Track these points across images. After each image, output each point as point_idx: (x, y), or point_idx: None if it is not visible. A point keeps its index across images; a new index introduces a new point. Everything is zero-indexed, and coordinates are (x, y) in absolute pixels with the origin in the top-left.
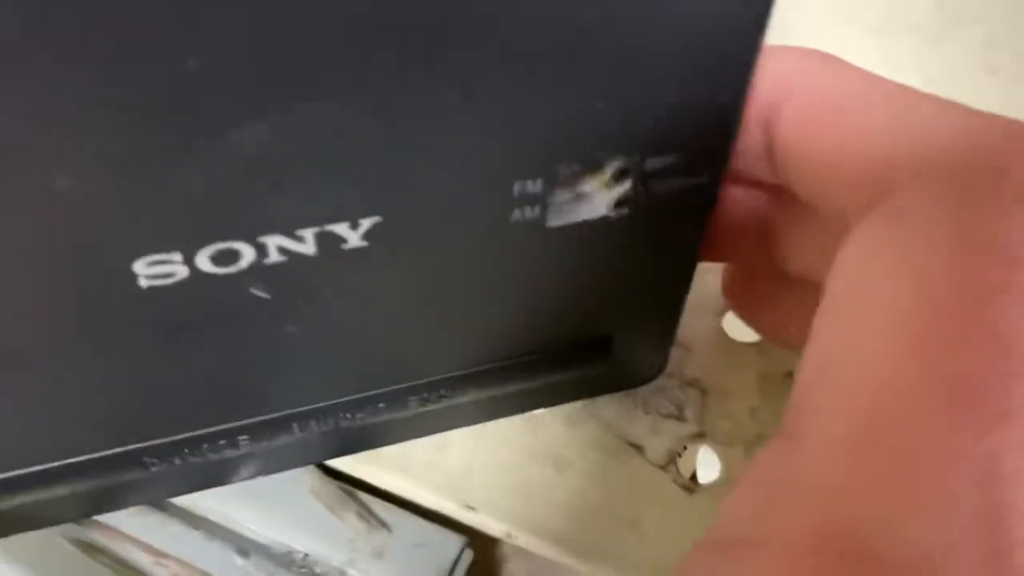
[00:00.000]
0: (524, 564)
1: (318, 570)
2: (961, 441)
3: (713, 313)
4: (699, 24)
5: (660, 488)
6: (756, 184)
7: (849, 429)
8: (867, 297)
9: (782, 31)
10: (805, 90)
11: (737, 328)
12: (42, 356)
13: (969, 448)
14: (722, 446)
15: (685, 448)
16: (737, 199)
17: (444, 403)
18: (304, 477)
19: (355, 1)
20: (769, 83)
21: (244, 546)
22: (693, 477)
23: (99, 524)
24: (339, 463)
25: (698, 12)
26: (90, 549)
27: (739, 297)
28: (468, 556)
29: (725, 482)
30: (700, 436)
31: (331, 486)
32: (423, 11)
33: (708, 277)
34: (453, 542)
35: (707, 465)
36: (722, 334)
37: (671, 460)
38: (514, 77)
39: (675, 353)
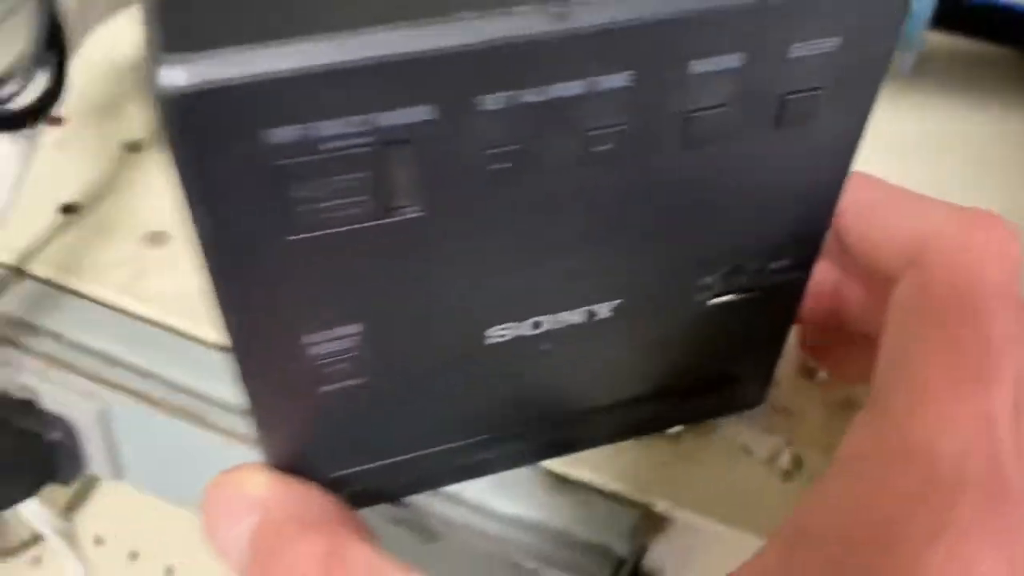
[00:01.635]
0: (686, 533)
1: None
2: (972, 394)
3: (792, 359)
4: (803, 193)
5: (765, 476)
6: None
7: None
8: (909, 321)
9: None
10: (854, 197)
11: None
12: (434, 385)
13: (979, 397)
14: (803, 448)
15: (779, 451)
16: (817, 279)
17: (627, 418)
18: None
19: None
20: None
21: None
22: (787, 469)
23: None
24: (555, 464)
25: (800, 188)
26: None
27: (812, 347)
28: (642, 523)
29: (807, 473)
30: (788, 443)
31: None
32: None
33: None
34: (631, 513)
35: (794, 460)
36: (798, 374)
37: (772, 459)
38: (695, 227)
39: None
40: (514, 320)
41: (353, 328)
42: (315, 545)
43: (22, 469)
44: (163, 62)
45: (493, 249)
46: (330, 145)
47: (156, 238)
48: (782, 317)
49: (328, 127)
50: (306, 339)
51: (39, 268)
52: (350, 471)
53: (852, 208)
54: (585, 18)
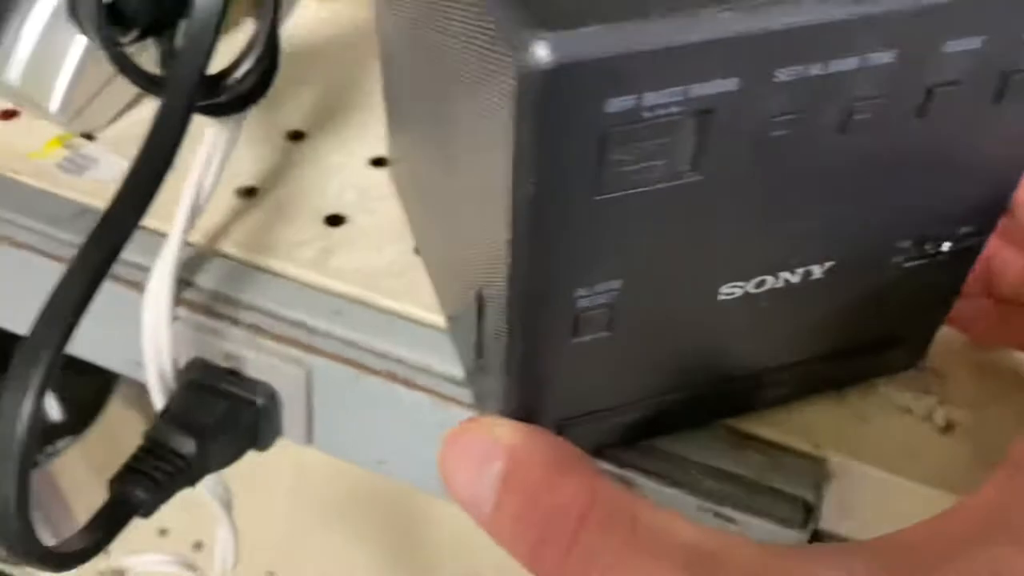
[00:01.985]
0: (849, 483)
1: None
2: None
3: None
4: (999, 163)
5: (924, 432)
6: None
7: None
8: None
9: None
10: None
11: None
12: (663, 339)
13: None
14: (954, 407)
15: (934, 409)
16: None
17: (804, 377)
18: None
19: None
20: None
21: None
22: (943, 426)
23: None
24: (735, 422)
25: (998, 159)
26: None
27: (958, 315)
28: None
29: (961, 429)
30: (941, 403)
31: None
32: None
33: None
34: (813, 465)
35: (948, 418)
36: (942, 339)
37: (928, 416)
38: (909, 192)
39: None
40: (745, 279)
41: (616, 283)
42: (575, 484)
43: (232, 434)
44: (531, 40)
45: (745, 212)
46: (651, 113)
47: (333, 219)
48: (955, 281)
49: (653, 98)
50: (578, 292)
51: (228, 247)
52: (569, 419)
53: None
54: (874, 3)
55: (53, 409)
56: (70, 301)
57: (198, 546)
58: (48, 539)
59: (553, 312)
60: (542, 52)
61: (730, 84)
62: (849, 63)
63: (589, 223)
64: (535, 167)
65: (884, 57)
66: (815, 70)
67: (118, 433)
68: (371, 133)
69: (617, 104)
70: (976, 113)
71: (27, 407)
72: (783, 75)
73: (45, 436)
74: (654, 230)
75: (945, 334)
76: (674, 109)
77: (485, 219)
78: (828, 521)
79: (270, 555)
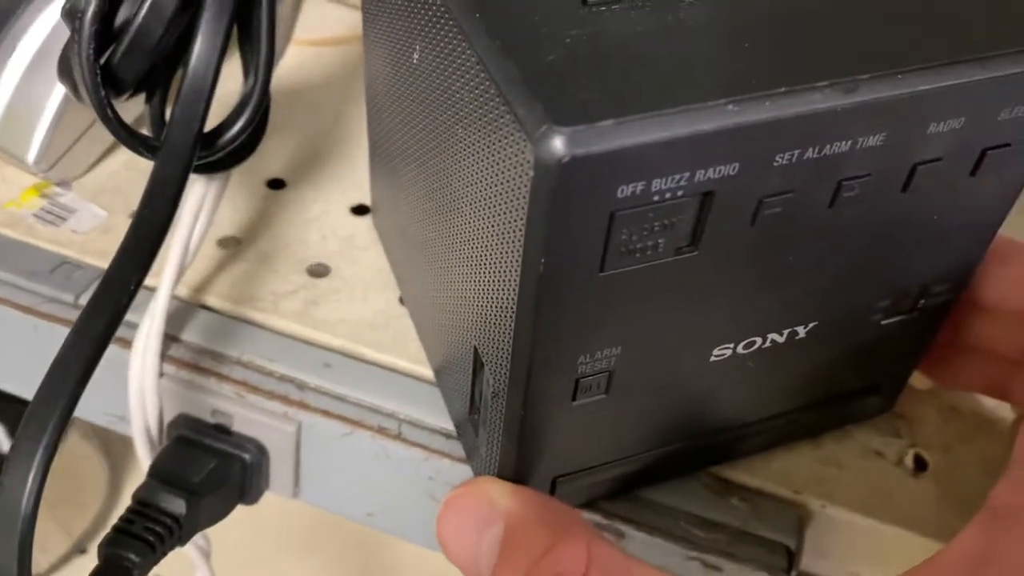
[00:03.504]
0: (824, 526)
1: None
2: None
3: None
4: (974, 229)
5: (896, 475)
6: None
7: None
8: None
9: None
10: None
11: (918, 379)
12: (656, 399)
13: None
14: (923, 450)
15: (905, 453)
16: None
17: (785, 426)
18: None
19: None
20: None
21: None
22: (913, 469)
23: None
24: (717, 470)
25: (973, 225)
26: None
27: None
28: (805, 517)
29: (931, 471)
30: (912, 445)
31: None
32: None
33: None
34: (794, 510)
35: (918, 462)
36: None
37: (900, 460)
38: (890, 257)
39: None
40: (735, 340)
41: (616, 350)
42: (572, 546)
43: (222, 491)
44: (549, 134)
45: (738, 282)
46: (658, 197)
47: (317, 270)
48: (929, 333)
49: (660, 183)
50: (580, 359)
51: (212, 299)
52: (562, 475)
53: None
54: (867, 92)
55: (5, 443)
56: (74, 371)
57: None
58: None
59: (554, 378)
60: (559, 146)
61: (731, 169)
62: (842, 146)
63: (593, 296)
64: (545, 248)
65: (874, 140)
66: (810, 153)
67: (76, 466)
68: (352, 181)
69: (627, 190)
70: (954, 185)
71: (32, 480)
72: (781, 159)
73: None
74: (653, 301)
75: (912, 378)
76: (679, 192)
77: (485, 284)
78: (804, 561)
79: None
